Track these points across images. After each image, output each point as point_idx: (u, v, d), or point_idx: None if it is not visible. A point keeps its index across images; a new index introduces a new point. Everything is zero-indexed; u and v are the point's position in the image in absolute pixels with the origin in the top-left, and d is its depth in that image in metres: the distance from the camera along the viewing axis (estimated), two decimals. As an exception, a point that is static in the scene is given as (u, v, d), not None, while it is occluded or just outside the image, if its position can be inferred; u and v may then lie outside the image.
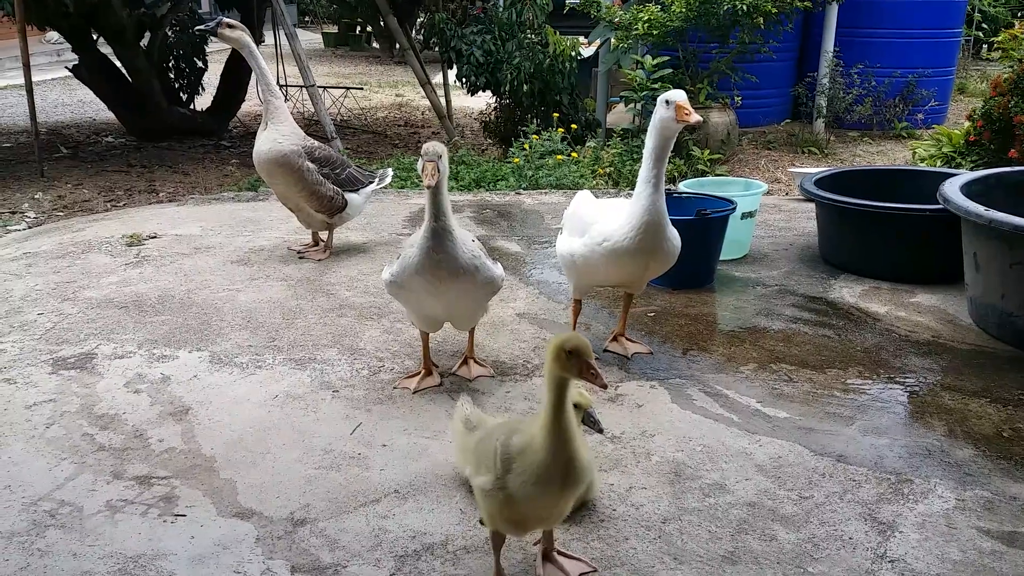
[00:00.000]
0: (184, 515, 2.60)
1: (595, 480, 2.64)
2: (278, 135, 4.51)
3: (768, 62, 8.79)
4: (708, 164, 7.75)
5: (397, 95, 13.89)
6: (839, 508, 2.62)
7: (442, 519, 2.58)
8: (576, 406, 2.47)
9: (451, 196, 6.51)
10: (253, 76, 11.20)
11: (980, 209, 3.60)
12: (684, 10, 7.80)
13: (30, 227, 6.30)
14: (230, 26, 4.52)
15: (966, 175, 4.17)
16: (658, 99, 3.17)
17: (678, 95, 3.13)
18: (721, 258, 4.71)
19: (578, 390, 2.51)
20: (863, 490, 2.71)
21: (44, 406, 3.25)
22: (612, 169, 7.35)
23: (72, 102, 12.54)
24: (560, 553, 2.40)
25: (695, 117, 3.06)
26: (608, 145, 7.90)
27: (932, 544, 2.45)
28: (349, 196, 4.74)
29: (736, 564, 2.38)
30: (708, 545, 2.46)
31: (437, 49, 9.31)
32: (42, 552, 2.44)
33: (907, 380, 3.45)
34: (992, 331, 3.80)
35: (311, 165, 4.57)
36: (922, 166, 6.27)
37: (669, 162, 7.62)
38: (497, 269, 3.22)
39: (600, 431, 2.45)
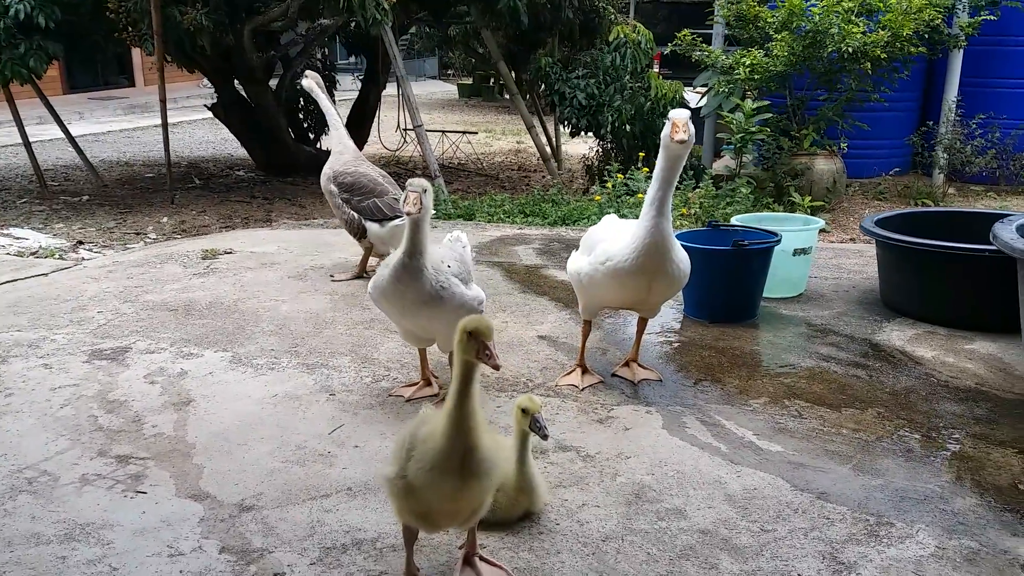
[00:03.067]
0: (145, 492, 2.72)
1: (541, 492, 2.55)
2: (328, 161, 5.07)
3: (882, 111, 8.36)
4: (808, 211, 7.41)
5: (518, 141, 14.19)
6: (799, 544, 2.40)
7: (381, 518, 2.56)
8: (524, 411, 2.42)
9: (530, 230, 6.58)
10: (376, 120, 11.81)
11: (1033, 247, 3.25)
12: (787, 54, 7.58)
13: (146, 246, 6.82)
14: (304, 76, 5.37)
15: (1025, 215, 3.78)
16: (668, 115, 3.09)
17: (678, 113, 3.05)
18: (773, 295, 4.48)
19: (528, 395, 2.46)
20: (834, 529, 2.47)
21: (66, 389, 3.49)
22: (701, 211, 7.17)
23: (216, 139, 13.58)
24: (482, 559, 2.33)
25: (679, 135, 2.96)
26: (698, 187, 7.73)
27: (892, 592, 2.20)
28: (369, 224, 4.89)
29: (662, 589, 2.22)
30: (642, 567, 2.31)
31: (543, 91, 9.48)
32: (7, 512, 2.61)
33: (929, 424, 3.13)
34: (1053, 383, 3.39)
35: (334, 188, 4.97)
36: (1003, 210, 5.72)
37: (768, 207, 7.43)
38: (471, 292, 3.19)
39: (544, 437, 2.37)
